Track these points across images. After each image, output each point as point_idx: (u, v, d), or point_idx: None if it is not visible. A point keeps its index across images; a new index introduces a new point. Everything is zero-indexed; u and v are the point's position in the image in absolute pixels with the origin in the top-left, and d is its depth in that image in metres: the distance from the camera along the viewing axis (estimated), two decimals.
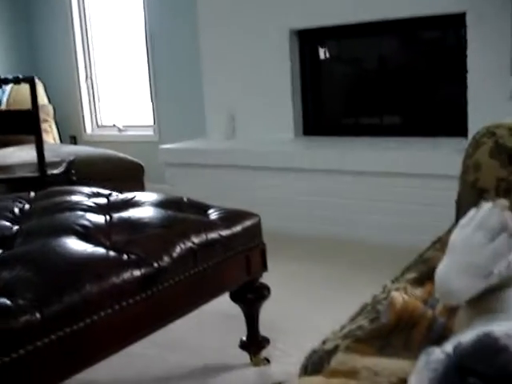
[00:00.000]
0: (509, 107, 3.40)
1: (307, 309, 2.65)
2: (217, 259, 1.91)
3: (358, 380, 1.00)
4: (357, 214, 3.67)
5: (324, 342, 1.18)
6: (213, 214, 2.05)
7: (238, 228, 2.00)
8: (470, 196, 1.73)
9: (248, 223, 2.04)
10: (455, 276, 0.91)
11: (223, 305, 2.31)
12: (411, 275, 1.42)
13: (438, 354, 0.75)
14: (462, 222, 0.93)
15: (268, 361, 2.27)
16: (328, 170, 3.73)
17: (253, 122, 4.44)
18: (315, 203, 3.83)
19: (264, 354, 2.28)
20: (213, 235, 1.91)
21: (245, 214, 2.08)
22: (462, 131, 3.65)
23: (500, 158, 1.80)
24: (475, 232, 0.91)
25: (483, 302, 0.95)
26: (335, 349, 1.12)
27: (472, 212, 0.93)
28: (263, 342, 2.24)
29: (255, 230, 2.07)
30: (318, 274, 3.15)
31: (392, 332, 1.11)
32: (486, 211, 0.91)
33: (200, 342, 2.48)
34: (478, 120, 3.25)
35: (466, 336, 0.74)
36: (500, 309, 0.92)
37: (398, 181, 3.53)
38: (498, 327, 0.73)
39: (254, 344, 2.23)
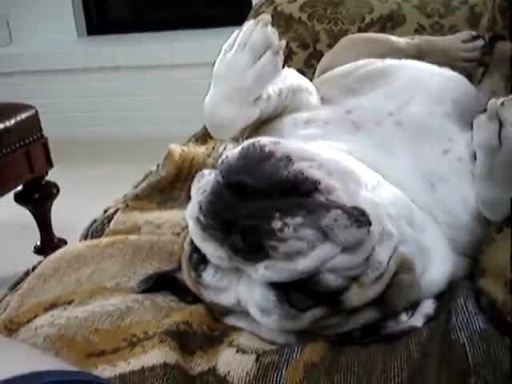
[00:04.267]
0: None
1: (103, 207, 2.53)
2: None
3: (140, 234, 0.93)
4: (146, 110, 3.56)
5: (105, 211, 1.09)
6: None
7: (11, 122, 1.79)
8: None
9: (23, 116, 1.84)
10: (222, 104, 0.84)
11: (13, 214, 2.16)
12: (195, 138, 1.37)
13: (206, 176, 0.69)
14: (225, 46, 0.86)
15: None
16: (115, 67, 3.55)
17: (30, 25, 4.05)
18: (103, 103, 3.64)
19: None
20: None
21: (18, 106, 1.88)
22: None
23: (280, 25, 1.79)
24: (238, 54, 0.83)
25: (258, 135, 0.90)
26: (116, 212, 1.03)
27: (234, 34, 0.86)
28: (60, 244, 2.10)
29: (32, 123, 1.88)
30: (114, 173, 3.02)
31: (173, 184, 1.05)
32: (247, 29, 0.84)
33: None
34: None
35: (235, 149, 0.68)
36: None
37: (191, 72, 3.45)
38: (265, 137, 0.69)
39: (51, 247, 2.07)
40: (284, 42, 0.85)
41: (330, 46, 1.69)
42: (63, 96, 3.72)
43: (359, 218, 0.63)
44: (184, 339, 0.68)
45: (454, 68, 1.34)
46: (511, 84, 1.25)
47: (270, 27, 0.84)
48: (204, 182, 0.68)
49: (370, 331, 0.68)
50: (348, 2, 1.78)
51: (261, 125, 0.91)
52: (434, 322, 0.68)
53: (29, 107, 1.90)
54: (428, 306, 0.71)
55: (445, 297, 0.73)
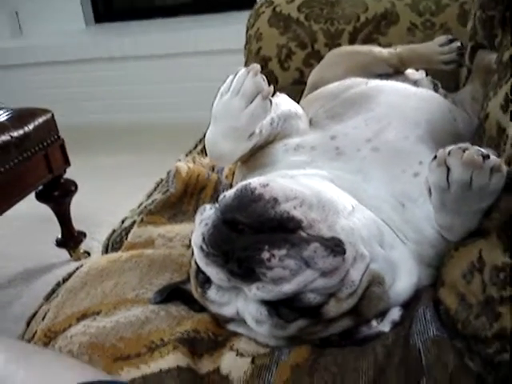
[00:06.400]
0: None
1: (120, 198, 2.65)
2: (13, 162, 1.86)
3: (154, 248, 1.08)
4: (156, 98, 3.68)
5: (123, 221, 1.24)
6: (0, 117, 1.97)
7: (30, 126, 1.94)
8: None
9: (40, 120, 1.98)
10: (221, 141, 0.99)
11: (36, 209, 2.29)
12: (201, 146, 1.50)
13: (208, 210, 0.83)
14: (222, 89, 0.99)
15: (88, 253, 2.30)
16: (123, 57, 3.66)
17: (39, 16, 4.16)
18: (114, 92, 3.77)
19: (83, 247, 2.31)
20: (4, 138, 1.84)
21: (35, 110, 2.02)
22: (250, 3, 3.70)
23: (279, 26, 1.89)
24: (232, 98, 0.98)
25: (254, 159, 1.05)
26: (132, 225, 1.18)
27: (229, 79, 0.99)
28: (80, 237, 2.26)
29: (49, 126, 2.02)
30: (126, 163, 3.16)
31: (181, 199, 1.19)
32: (240, 77, 0.98)
33: (16, 249, 2.44)
34: None
35: (231, 190, 0.82)
36: (268, 163, 1.02)
37: (195, 60, 3.56)
38: (256, 179, 0.82)
39: (71, 240, 2.24)
40: (272, 88, 0.98)
41: (327, 46, 1.79)
42: (74, 85, 3.83)
43: (335, 248, 0.77)
44: (193, 345, 0.83)
45: (436, 73, 1.46)
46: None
47: (259, 75, 0.97)
48: (206, 216, 0.82)
49: (345, 336, 0.83)
50: (344, 1, 1.86)
51: (256, 150, 1.04)
52: (400, 327, 0.83)
53: (45, 111, 2.04)
54: (395, 313, 0.85)
55: (411, 304, 0.87)
